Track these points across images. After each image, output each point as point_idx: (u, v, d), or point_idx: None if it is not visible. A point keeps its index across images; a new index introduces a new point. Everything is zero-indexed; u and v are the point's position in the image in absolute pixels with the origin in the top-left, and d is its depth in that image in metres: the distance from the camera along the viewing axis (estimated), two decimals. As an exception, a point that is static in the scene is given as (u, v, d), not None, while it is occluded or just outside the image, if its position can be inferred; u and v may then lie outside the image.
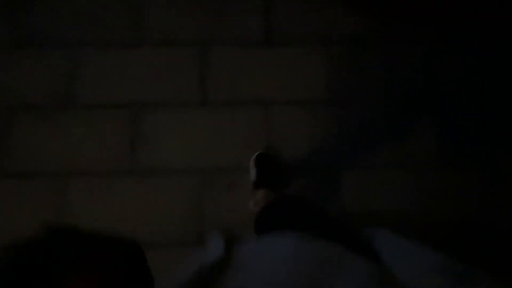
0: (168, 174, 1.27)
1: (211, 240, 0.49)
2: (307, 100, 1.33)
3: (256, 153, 1.24)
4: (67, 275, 0.26)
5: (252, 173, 1.23)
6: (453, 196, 1.28)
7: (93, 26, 1.37)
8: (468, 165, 1.31)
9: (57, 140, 1.29)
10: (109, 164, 1.27)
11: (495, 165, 1.31)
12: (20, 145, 1.28)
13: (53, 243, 0.29)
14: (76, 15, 1.38)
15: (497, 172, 1.30)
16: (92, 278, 0.27)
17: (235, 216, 1.23)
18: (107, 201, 1.26)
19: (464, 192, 1.29)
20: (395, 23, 1.39)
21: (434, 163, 1.30)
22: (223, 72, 1.36)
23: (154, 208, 1.25)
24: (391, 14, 1.39)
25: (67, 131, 1.30)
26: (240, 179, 1.27)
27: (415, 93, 1.35)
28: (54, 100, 1.32)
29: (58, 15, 1.38)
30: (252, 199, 1.19)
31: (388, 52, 1.37)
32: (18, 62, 1.34)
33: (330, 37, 1.38)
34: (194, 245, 1.22)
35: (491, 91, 1.36)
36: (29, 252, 0.27)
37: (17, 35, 1.36)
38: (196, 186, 1.27)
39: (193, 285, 0.34)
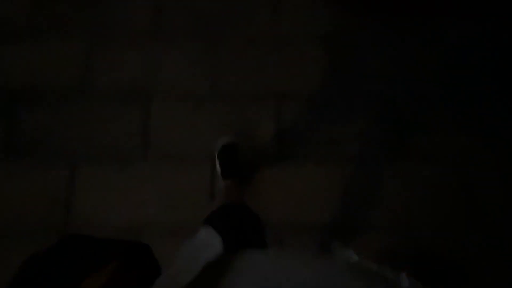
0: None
1: (206, 233, 0.50)
2: (311, 225, 1.24)
3: (220, 146, 1.25)
4: (84, 270, 0.28)
5: (217, 166, 1.25)
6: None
7: (94, 139, 1.30)
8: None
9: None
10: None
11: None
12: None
13: (70, 245, 0.32)
14: (75, 125, 1.31)
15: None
16: (107, 271, 0.29)
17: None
18: None
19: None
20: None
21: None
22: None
23: None
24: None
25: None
26: None
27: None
28: (48, 222, 1.19)
29: (54, 126, 1.32)
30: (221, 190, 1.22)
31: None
32: (9, 173, 1.24)
33: (343, 151, 1.31)
34: None
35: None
36: (47, 256, 0.30)
37: (8, 143, 1.28)
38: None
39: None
